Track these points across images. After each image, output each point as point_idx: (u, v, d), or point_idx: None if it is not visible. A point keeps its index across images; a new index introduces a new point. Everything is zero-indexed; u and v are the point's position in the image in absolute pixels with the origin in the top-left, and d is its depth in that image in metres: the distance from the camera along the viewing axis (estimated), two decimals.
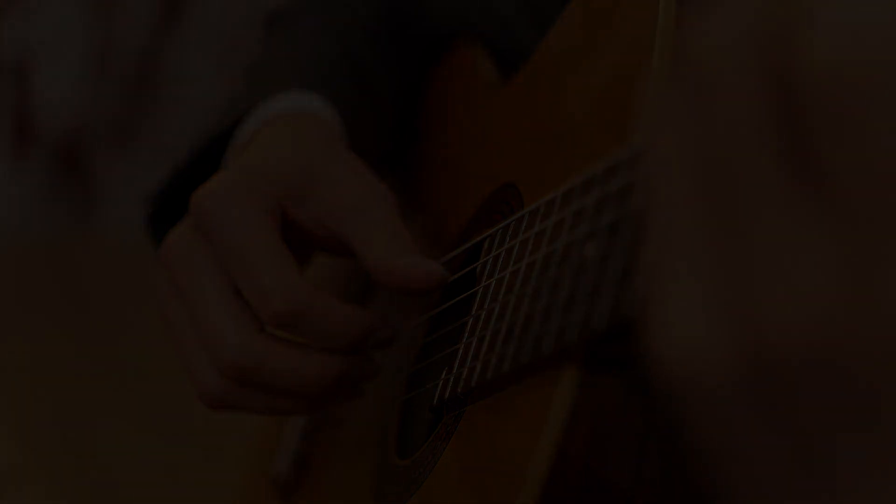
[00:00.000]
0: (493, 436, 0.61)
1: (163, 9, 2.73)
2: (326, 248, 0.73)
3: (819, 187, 0.30)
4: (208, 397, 0.70)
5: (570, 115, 0.65)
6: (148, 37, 2.75)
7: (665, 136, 0.33)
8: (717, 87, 0.32)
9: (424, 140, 0.90)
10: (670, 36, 0.58)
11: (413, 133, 0.92)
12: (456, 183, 0.81)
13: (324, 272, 0.91)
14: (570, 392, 0.54)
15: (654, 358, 0.33)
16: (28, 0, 2.68)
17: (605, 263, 0.52)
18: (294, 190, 0.71)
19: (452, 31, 0.90)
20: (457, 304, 0.71)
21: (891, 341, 0.29)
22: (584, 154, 0.62)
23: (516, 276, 0.61)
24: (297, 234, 0.71)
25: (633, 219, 0.51)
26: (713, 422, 0.32)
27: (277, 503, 0.88)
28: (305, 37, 0.91)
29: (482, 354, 0.62)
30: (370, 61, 0.90)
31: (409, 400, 0.76)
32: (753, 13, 0.31)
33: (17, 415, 2.19)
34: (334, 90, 0.83)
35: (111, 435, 2.13)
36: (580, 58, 0.67)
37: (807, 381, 0.30)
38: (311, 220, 0.71)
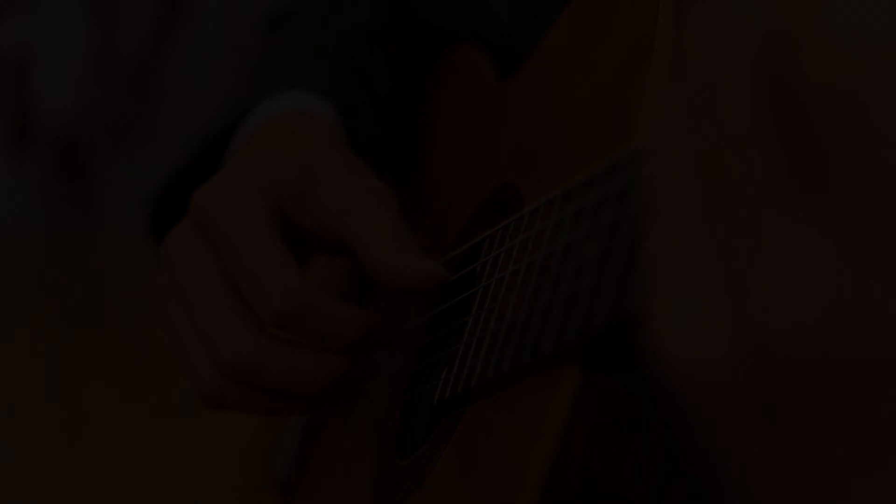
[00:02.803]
0: (493, 436, 0.61)
1: (163, 9, 2.73)
2: (326, 248, 0.73)
3: (820, 188, 0.30)
4: (208, 397, 0.70)
5: (570, 114, 0.65)
6: (148, 37, 2.75)
7: (665, 135, 0.33)
8: (717, 87, 0.32)
9: (424, 140, 0.90)
10: (670, 36, 0.58)
11: (413, 133, 0.91)
12: (456, 183, 0.81)
13: (324, 272, 0.91)
14: (570, 392, 0.54)
15: (654, 358, 0.33)
16: (28, 0, 2.68)
17: (605, 263, 0.52)
18: (294, 190, 0.71)
19: (452, 31, 0.90)
20: (457, 304, 0.71)
21: (892, 342, 0.29)
22: (584, 154, 0.62)
23: (516, 277, 0.61)
24: (297, 233, 0.71)
25: (633, 219, 0.51)
26: (714, 422, 0.32)
27: (277, 503, 0.88)
28: (305, 37, 0.91)
29: (482, 354, 0.62)
30: (370, 61, 0.90)
31: (409, 400, 0.76)
32: (754, 12, 0.31)
33: (16, 414, 2.19)
34: (334, 90, 0.83)
35: (110, 434, 2.13)
36: (580, 58, 0.67)
37: (808, 381, 0.30)
38: (310, 219, 0.71)
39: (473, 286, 0.68)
